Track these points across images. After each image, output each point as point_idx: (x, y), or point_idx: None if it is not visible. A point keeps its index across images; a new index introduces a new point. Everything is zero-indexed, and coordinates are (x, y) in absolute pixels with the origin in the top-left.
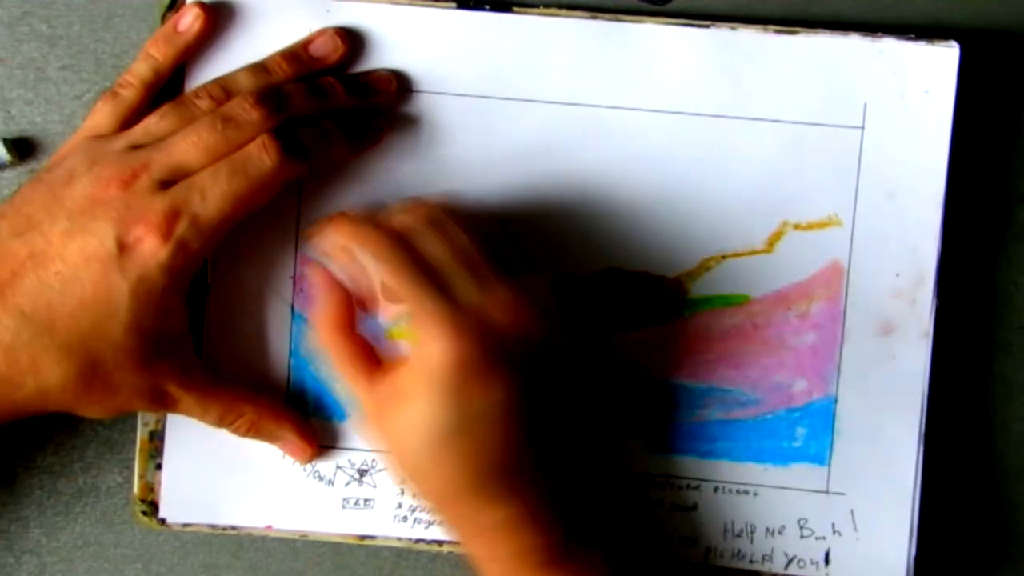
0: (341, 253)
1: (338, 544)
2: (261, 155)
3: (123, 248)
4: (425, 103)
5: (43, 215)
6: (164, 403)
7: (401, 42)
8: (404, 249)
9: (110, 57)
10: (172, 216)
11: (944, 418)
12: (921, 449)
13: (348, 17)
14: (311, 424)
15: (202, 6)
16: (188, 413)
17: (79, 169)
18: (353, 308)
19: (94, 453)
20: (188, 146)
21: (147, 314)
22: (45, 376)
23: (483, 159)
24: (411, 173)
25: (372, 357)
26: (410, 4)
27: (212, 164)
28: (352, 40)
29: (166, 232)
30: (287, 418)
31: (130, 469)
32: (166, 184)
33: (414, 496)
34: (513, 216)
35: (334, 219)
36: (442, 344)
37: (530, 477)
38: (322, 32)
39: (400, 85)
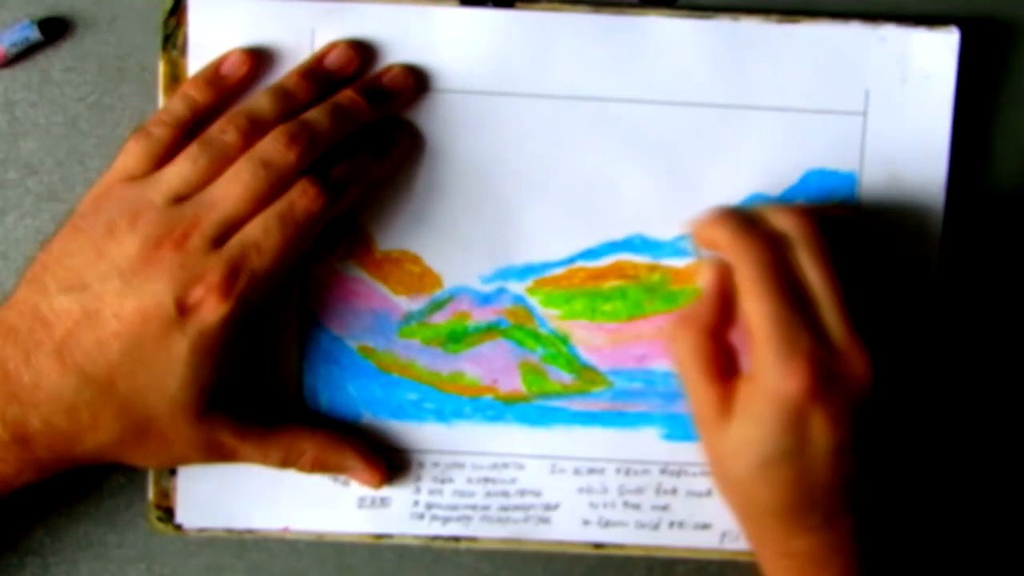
0: (719, 250)
1: (340, 545)
2: (306, 203)
3: (183, 309)
4: (429, 101)
5: (91, 273)
6: (221, 454)
7: (403, 42)
8: (778, 269)
9: (113, 60)
10: (232, 274)
11: (949, 398)
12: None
13: (349, 19)
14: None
15: (247, 52)
16: (248, 461)
17: (120, 222)
18: (729, 313)
19: None
20: (235, 197)
21: (205, 369)
22: (104, 433)
23: (489, 155)
24: (417, 171)
25: (723, 366)
26: (411, 3)
27: (257, 211)
28: (364, 50)
29: (227, 290)
30: (348, 445)
31: (133, 470)
32: (217, 240)
33: (729, 507)
34: (520, 211)
35: (714, 215)
36: (796, 380)
37: (844, 515)
38: (334, 45)
39: (416, 80)
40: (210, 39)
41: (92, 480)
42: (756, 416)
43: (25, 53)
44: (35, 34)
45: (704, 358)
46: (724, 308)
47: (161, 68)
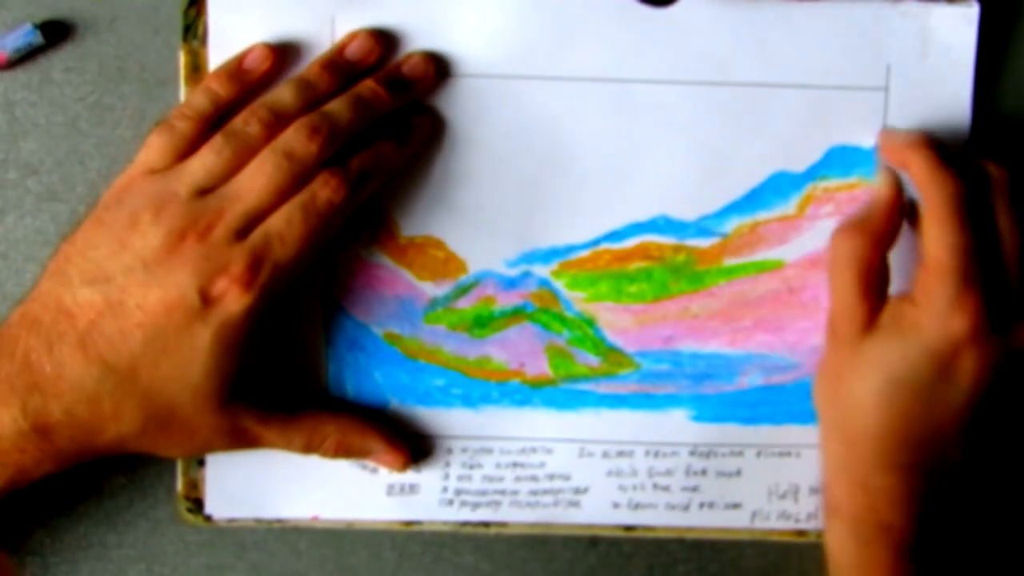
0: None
1: (340, 545)
2: (328, 194)
3: (206, 299)
4: (451, 86)
5: (115, 264)
6: (245, 440)
7: (424, 27)
8: (970, 205)
9: (113, 60)
10: (255, 265)
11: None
12: None
13: (370, 5)
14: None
15: (270, 46)
16: (272, 446)
17: (144, 214)
18: (896, 230)
19: None
20: (259, 189)
21: (228, 359)
22: (127, 423)
23: (511, 139)
24: (440, 156)
25: (878, 281)
26: None
27: (280, 203)
28: (384, 38)
29: (249, 281)
30: (371, 429)
31: (133, 470)
32: (240, 231)
33: (821, 423)
34: (544, 194)
35: (915, 137)
36: (964, 317)
37: (937, 465)
38: (355, 35)
39: (437, 67)
40: (230, 28)
41: (92, 480)
42: (906, 338)
43: (26, 55)
44: (38, 39)
45: (863, 266)
46: (893, 222)
47: (182, 59)
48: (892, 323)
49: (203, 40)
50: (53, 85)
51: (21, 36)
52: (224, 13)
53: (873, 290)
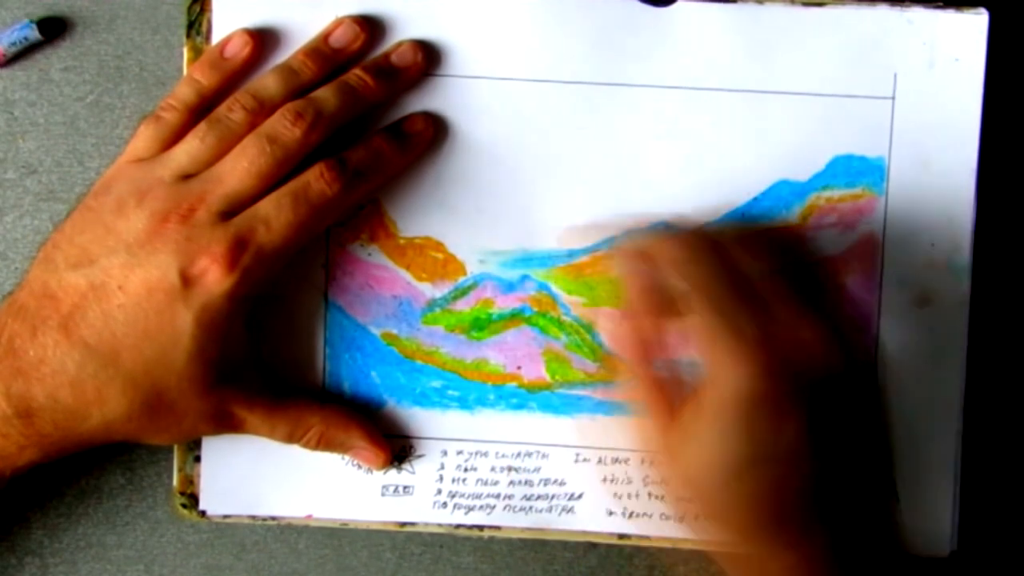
0: (641, 263)
1: (340, 546)
2: (322, 186)
3: (187, 280)
4: (452, 87)
5: (99, 248)
6: (230, 425)
7: (419, 26)
8: (719, 258)
9: (112, 59)
10: (237, 247)
11: (985, 387)
12: (961, 418)
13: (372, 2)
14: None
15: (250, 33)
16: (256, 432)
17: (129, 200)
18: (656, 339)
19: (96, 454)
20: (241, 173)
21: (211, 341)
22: (111, 407)
23: (512, 142)
24: (440, 157)
25: (665, 392)
26: None
27: (267, 189)
28: (370, 25)
29: (231, 262)
30: (355, 425)
31: (132, 470)
32: (224, 214)
33: (711, 531)
34: (544, 198)
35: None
36: (742, 371)
37: (819, 523)
38: (339, 22)
39: (426, 55)
40: (234, 24)
41: (91, 480)
42: (711, 426)
43: (24, 52)
44: (34, 34)
45: (656, 387)
46: (646, 307)
47: (185, 55)
48: (698, 415)
49: (207, 36)
50: (52, 84)
51: (18, 32)
52: (227, 9)
53: (668, 395)
